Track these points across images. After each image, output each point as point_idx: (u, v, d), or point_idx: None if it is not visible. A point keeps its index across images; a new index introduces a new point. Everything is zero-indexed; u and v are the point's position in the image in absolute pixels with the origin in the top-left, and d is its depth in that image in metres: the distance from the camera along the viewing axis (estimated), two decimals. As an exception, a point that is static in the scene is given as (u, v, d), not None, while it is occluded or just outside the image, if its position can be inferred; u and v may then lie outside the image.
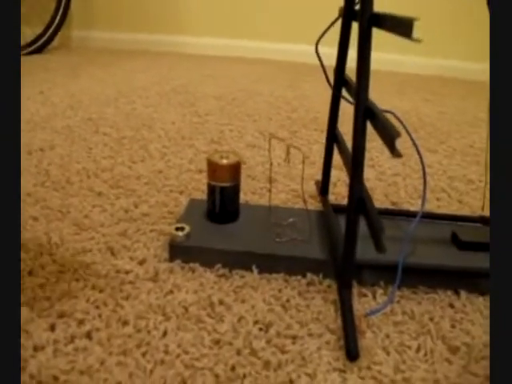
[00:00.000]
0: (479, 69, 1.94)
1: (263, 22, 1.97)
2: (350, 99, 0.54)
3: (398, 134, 0.37)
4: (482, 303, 0.51)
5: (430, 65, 1.94)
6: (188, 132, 0.95)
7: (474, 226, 0.60)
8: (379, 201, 0.73)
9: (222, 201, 0.56)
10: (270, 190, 0.62)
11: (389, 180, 0.82)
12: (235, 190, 0.56)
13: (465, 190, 0.82)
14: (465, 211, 0.74)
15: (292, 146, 0.52)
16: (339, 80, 0.59)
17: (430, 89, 1.62)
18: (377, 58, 1.98)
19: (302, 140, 0.98)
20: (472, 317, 0.49)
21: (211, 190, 0.56)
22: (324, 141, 0.90)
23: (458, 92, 1.69)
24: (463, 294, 0.52)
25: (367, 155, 0.92)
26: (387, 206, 0.73)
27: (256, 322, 0.45)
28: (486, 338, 0.46)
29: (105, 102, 1.13)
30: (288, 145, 0.55)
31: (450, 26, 1.95)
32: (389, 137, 0.38)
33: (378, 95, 1.50)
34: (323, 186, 0.66)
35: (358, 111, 0.43)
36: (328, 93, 1.46)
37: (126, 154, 0.82)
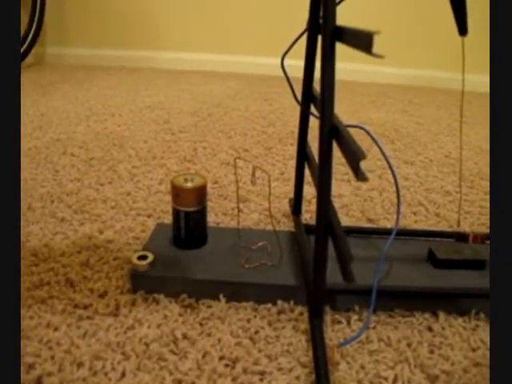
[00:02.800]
0: (453, 78, 1.95)
1: (239, 36, 1.96)
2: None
3: (364, 156, 0.35)
4: (462, 324, 0.49)
5: (406, 75, 1.95)
6: (160, 151, 0.92)
7: (450, 242, 0.58)
8: (355, 217, 0.71)
9: (188, 226, 0.53)
10: (238, 213, 0.60)
11: (365, 195, 0.80)
12: (201, 214, 0.53)
13: (442, 203, 0.81)
14: (442, 225, 0.72)
15: (258, 168, 0.50)
16: (307, 95, 0.57)
17: (406, 99, 1.62)
18: (353, 68, 1.98)
19: (277, 156, 0.96)
20: (451, 340, 0.47)
21: (176, 214, 0.53)
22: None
23: (433, 101, 1.69)
24: (442, 315, 0.50)
25: (343, 169, 0.91)
26: (363, 223, 0.71)
27: (222, 358, 0.42)
28: (466, 363, 0.44)
29: (76, 121, 1.09)
30: (254, 167, 0.53)
31: (425, 36, 1.96)
32: (353, 159, 0.36)
33: (354, 107, 1.49)
34: (295, 206, 0.64)
35: (322, 132, 0.41)
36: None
37: (94, 175, 0.78)
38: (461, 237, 0.54)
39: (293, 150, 1.00)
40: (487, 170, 0.99)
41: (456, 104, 1.60)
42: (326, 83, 0.41)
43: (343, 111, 1.41)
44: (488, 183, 0.92)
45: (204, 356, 0.42)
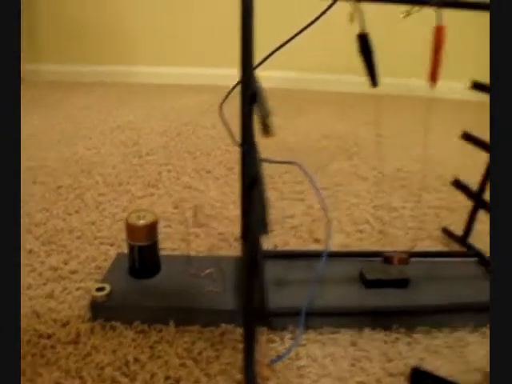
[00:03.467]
0: (423, 85, 2.03)
1: (214, 49, 2.01)
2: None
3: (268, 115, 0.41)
4: (383, 338, 0.56)
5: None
6: (126, 176, 0.98)
7: (379, 263, 0.65)
8: (302, 239, 0.78)
9: (141, 258, 0.59)
10: (188, 245, 0.66)
11: (315, 215, 0.87)
12: (153, 247, 0.60)
13: (387, 220, 0.88)
14: (383, 242, 0.79)
15: (199, 208, 0.56)
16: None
17: (371, 109, 1.68)
18: (319, 78, 2.05)
19: (237, 176, 1.02)
20: (371, 354, 0.54)
21: (130, 248, 0.59)
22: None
23: (399, 110, 1.77)
24: (366, 331, 0.57)
25: (298, 188, 0.97)
26: (310, 243, 0.77)
27: (167, 378, 0.49)
28: (381, 374, 0.51)
29: (47, 146, 1.14)
30: (196, 206, 0.59)
31: (392, 42, 2.03)
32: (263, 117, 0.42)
33: (318, 118, 1.56)
34: (243, 231, 0.70)
35: (244, 185, 0.47)
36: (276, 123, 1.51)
37: (62, 205, 0.84)
38: (387, 259, 0.61)
39: (253, 170, 1.06)
40: (435, 182, 1.06)
41: (422, 112, 1.66)
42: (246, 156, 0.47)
43: (306, 124, 1.47)
44: (432, 196, 0.99)
45: (152, 377, 0.49)
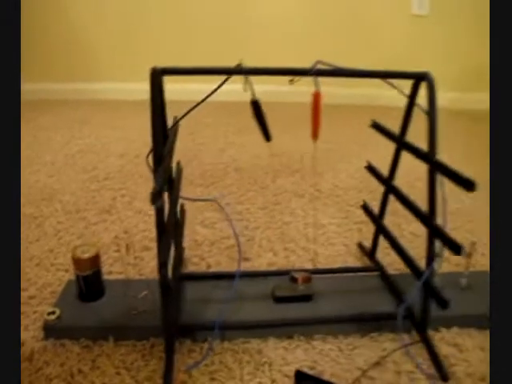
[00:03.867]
0: (380, 94, 2.17)
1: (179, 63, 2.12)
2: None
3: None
4: (285, 346, 0.69)
5: (330, 92, 2.15)
6: (84, 203, 1.09)
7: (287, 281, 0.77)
8: (233, 259, 0.91)
9: (86, 285, 0.71)
10: (125, 274, 0.78)
11: (249, 235, 0.99)
12: (96, 275, 0.71)
13: (312, 236, 1.01)
14: (303, 259, 0.92)
15: (130, 245, 0.68)
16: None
17: (324, 121, 1.81)
18: (266, 90, 2.17)
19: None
20: (273, 359, 0.66)
21: (77, 277, 0.71)
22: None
23: (350, 121, 1.90)
24: (272, 340, 0.70)
25: (239, 208, 1.10)
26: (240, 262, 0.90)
27: (104, 385, 0.61)
28: (278, 376, 0.64)
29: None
30: (127, 243, 0.71)
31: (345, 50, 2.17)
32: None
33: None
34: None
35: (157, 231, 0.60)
36: (225, 140, 1.63)
37: (23, 234, 0.95)
38: (292, 278, 0.74)
39: (200, 192, 1.19)
40: (367, 197, 1.19)
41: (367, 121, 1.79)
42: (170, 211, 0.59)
43: (254, 141, 1.59)
44: (361, 212, 1.13)
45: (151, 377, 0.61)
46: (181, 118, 0.69)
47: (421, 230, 1.00)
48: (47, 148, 1.44)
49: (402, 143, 0.72)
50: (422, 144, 0.66)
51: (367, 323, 0.73)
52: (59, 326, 0.68)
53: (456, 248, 0.57)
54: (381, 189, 0.82)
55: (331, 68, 0.62)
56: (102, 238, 0.94)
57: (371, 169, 0.83)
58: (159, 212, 0.57)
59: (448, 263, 0.90)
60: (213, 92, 0.62)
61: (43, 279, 0.81)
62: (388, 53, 2.29)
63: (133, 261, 0.71)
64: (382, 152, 1.52)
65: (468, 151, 1.64)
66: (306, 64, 0.61)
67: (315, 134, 0.64)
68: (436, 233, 0.63)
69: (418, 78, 0.67)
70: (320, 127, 0.65)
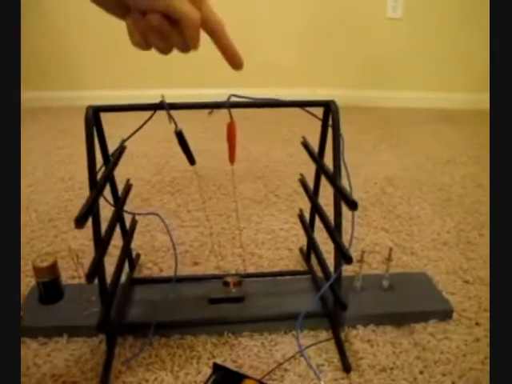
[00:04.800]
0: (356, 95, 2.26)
1: (157, 70, 2.22)
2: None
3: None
4: (215, 342, 0.80)
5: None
6: (57, 212, 1.20)
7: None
8: (184, 263, 1.02)
9: (46, 290, 0.82)
10: (79, 278, 0.89)
11: (203, 241, 1.10)
12: (54, 282, 0.83)
13: (261, 242, 1.11)
14: (247, 263, 1.03)
15: (77, 256, 0.80)
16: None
17: (293, 125, 1.89)
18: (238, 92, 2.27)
19: (152, 207, 1.26)
20: (201, 353, 0.77)
21: (37, 283, 0.82)
22: (173, 205, 1.17)
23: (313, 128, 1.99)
24: (203, 337, 0.81)
25: (196, 215, 1.21)
26: (190, 266, 1.01)
27: (53, 376, 0.72)
28: (205, 369, 0.75)
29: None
30: (76, 257, 0.82)
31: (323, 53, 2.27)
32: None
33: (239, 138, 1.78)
34: (129, 262, 0.94)
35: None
36: (197, 148, 1.73)
37: None
38: (225, 283, 0.85)
39: (167, 199, 1.30)
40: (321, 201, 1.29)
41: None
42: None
43: (222, 148, 1.68)
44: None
45: (43, 376, 0.72)
46: (123, 142, 0.79)
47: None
48: (27, 159, 1.55)
49: (318, 164, 0.82)
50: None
51: (291, 321, 0.83)
52: (22, 325, 0.79)
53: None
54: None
55: (244, 100, 0.71)
56: (70, 246, 1.05)
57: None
58: (95, 227, 0.68)
59: (369, 267, 1.00)
60: (141, 126, 0.72)
61: (12, 284, 0.92)
62: (369, 55, 2.39)
63: (81, 267, 0.82)
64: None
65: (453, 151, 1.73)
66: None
67: (232, 159, 0.75)
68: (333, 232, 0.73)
69: (326, 106, 0.76)
70: (235, 153, 0.75)
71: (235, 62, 0.58)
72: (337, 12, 2.34)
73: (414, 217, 1.25)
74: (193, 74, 2.25)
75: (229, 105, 0.70)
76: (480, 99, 2.31)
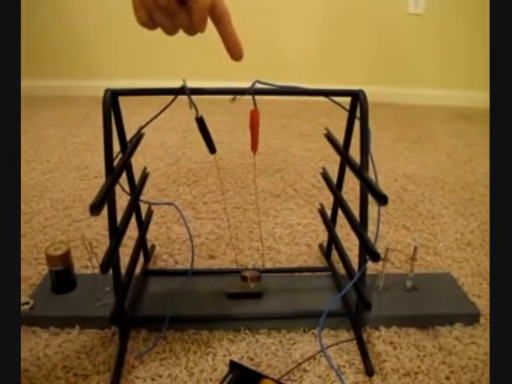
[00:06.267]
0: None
1: (180, 62, 2.20)
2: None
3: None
4: (231, 338, 0.77)
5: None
6: (72, 200, 1.18)
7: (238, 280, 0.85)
8: (200, 256, 0.99)
9: (58, 279, 0.80)
10: (92, 268, 0.86)
11: (219, 233, 1.07)
12: (67, 270, 0.80)
13: (280, 236, 1.08)
14: (265, 258, 0.99)
15: (90, 245, 0.77)
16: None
17: (315, 121, 1.85)
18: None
19: (167, 197, 1.23)
20: (217, 350, 0.74)
21: (50, 272, 0.80)
22: (189, 197, 1.14)
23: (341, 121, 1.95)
24: (219, 333, 0.77)
25: (214, 207, 1.18)
26: (206, 260, 0.98)
27: (64, 367, 0.70)
28: (221, 365, 0.72)
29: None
30: (90, 246, 0.80)
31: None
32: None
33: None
34: (144, 254, 0.91)
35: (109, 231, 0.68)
36: (215, 139, 1.71)
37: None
38: (243, 278, 0.82)
39: (182, 190, 1.27)
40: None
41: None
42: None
43: (242, 140, 1.66)
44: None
45: (54, 367, 0.70)
46: (141, 128, 0.76)
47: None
48: (44, 146, 1.54)
49: (344, 156, 0.79)
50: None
51: (310, 320, 0.80)
52: (32, 314, 0.77)
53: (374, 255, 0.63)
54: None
55: (269, 87, 0.68)
56: (84, 235, 1.03)
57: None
58: (111, 214, 0.65)
59: (392, 266, 0.96)
60: (161, 111, 0.69)
61: (24, 272, 0.90)
62: (387, 51, 2.34)
63: (95, 256, 0.79)
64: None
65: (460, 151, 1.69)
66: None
67: (255, 146, 0.71)
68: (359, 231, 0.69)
69: (353, 95, 0.73)
70: (258, 141, 0.71)
71: (236, 52, 0.56)
72: (356, 6, 2.29)
73: (436, 215, 1.21)
74: (207, 67, 2.21)
75: (253, 91, 0.67)
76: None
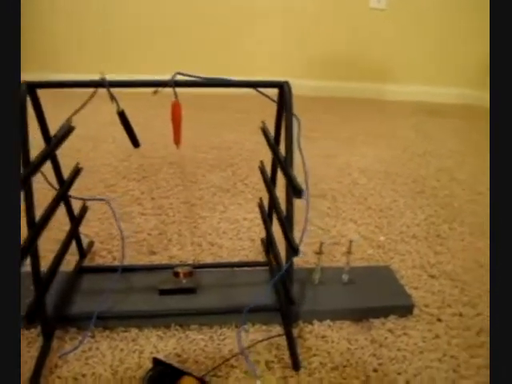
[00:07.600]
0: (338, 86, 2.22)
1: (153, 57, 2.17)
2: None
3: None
4: (161, 335, 0.76)
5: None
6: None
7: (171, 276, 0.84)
8: (139, 252, 0.97)
9: None
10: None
11: (162, 229, 1.06)
12: None
13: (224, 231, 1.07)
14: (206, 253, 0.99)
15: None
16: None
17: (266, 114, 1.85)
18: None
19: (115, 193, 1.21)
20: (144, 347, 0.73)
21: None
22: (137, 192, 1.12)
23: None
24: (149, 329, 0.77)
25: (159, 203, 1.16)
26: (146, 256, 0.96)
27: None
28: (146, 362, 0.71)
29: None
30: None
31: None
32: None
33: (212, 126, 1.73)
34: (79, 250, 0.89)
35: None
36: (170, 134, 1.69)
37: None
38: (175, 273, 0.81)
39: (132, 186, 1.25)
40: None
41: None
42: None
43: (196, 135, 1.64)
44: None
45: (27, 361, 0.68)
46: (67, 120, 0.74)
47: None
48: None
49: (273, 149, 0.78)
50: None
51: (242, 315, 0.79)
52: None
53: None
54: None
55: (191, 79, 0.67)
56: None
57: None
58: (28, 209, 0.63)
59: (331, 260, 0.97)
60: (81, 107, 0.67)
61: None
62: (352, 45, 2.35)
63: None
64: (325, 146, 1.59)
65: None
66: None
67: (177, 140, 0.70)
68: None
69: (279, 87, 0.72)
70: (181, 134, 0.70)
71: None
72: (321, 1, 2.29)
73: (385, 209, 1.22)
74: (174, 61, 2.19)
75: (173, 83, 0.65)
76: (466, 94, 2.29)
